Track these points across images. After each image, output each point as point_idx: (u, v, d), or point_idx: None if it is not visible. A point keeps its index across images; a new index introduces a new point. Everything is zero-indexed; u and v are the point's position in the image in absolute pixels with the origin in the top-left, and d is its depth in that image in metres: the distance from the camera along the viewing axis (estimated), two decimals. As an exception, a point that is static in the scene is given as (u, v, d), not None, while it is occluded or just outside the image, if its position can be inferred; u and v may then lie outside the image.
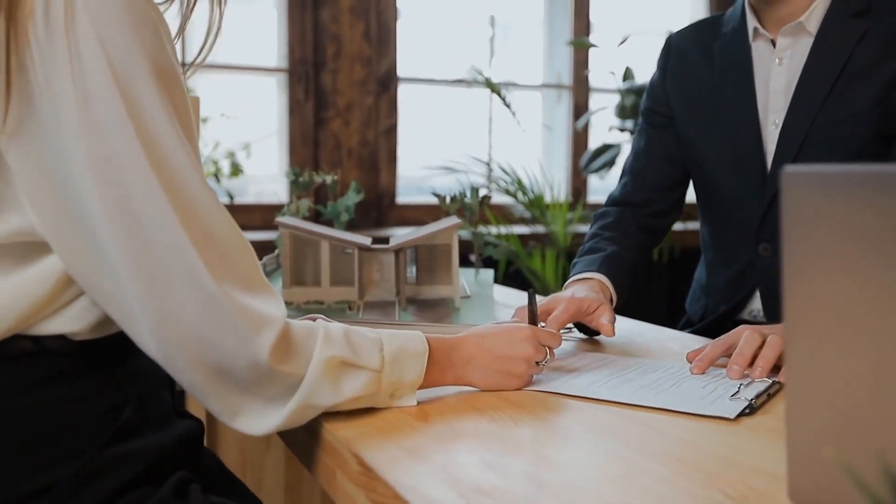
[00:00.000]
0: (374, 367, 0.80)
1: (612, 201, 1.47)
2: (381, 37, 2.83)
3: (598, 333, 1.18)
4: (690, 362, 1.03)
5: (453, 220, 1.36)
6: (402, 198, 2.95)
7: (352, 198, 1.57)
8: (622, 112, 2.98)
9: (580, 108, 3.19)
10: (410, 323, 1.19)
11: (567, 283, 1.27)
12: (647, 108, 1.50)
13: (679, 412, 0.84)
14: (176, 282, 0.71)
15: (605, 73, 3.16)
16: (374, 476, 0.69)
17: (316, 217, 1.76)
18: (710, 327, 1.40)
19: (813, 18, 1.27)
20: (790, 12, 1.29)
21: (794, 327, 0.56)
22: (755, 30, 1.33)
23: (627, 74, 3.03)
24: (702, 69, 1.41)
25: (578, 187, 3.18)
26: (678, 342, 1.22)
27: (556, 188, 2.78)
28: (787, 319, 0.56)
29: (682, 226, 2.82)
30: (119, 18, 0.70)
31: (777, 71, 1.31)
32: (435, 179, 3.14)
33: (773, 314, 1.32)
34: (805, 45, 1.28)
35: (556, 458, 0.72)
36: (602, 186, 3.28)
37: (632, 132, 2.97)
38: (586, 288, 1.19)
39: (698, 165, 1.42)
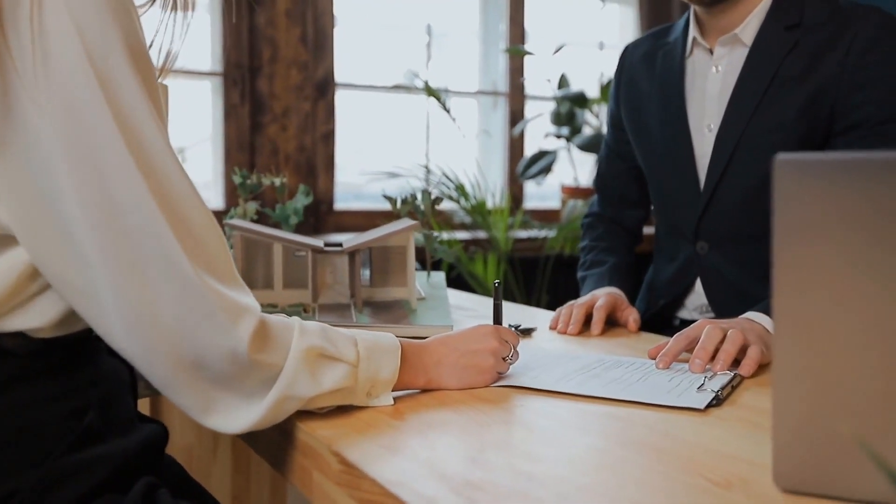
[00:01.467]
0: (350, 361, 0.79)
1: (592, 214, 1.64)
2: (318, 42, 2.80)
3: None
4: (652, 358, 1.04)
5: (407, 221, 1.36)
6: (340, 204, 2.93)
7: (300, 200, 1.54)
8: (558, 119, 3.02)
9: (516, 114, 3.22)
10: (379, 326, 1.18)
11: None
12: (608, 117, 1.61)
13: (649, 404, 0.85)
14: (154, 270, 0.68)
15: (539, 81, 3.20)
16: (359, 474, 0.67)
17: (262, 220, 1.73)
18: (651, 321, 1.44)
19: (748, 30, 1.32)
20: (730, 22, 1.34)
21: (782, 314, 0.57)
22: (694, 39, 1.38)
23: (563, 82, 3.07)
24: (643, 78, 1.47)
25: (515, 193, 3.20)
26: (634, 338, 1.24)
27: (498, 195, 2.81)
28: (777, 305, 0.57)
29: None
30: None
31: (713, 78, 1.36)
32: (372, 186, 3.12)
33: (719, 309, 1.36)
34: (740, 54, 1.33)
35: (537, 451, 0.72)
36: (538, 192, 3.32)
37: (568, 139, 3.02)
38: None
39: (646, 169, 1.48)
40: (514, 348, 0.96)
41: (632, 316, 1.30)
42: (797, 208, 0.54)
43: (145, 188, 0.68)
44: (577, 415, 0.83)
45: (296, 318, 0.78)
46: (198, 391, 0.72)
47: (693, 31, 1.38)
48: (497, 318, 1.02)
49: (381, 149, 3.11)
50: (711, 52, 1.37)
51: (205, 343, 0.70)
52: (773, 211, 0.55)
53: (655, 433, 0.77)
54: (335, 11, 2.83)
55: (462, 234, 2.75)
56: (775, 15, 1.30)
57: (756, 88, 1.29)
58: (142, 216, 0.68)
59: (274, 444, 0.84)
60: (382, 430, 0.77)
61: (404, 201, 1.51)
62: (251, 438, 0.90)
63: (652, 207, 1.55)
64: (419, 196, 1.51)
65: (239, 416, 0.73)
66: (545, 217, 3.14)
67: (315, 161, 2.82)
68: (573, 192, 3.07)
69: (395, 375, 0.83)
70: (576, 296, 1.42)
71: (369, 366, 0.80)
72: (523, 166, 2.99)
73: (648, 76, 1.46)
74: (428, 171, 2.75)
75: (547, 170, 2.96)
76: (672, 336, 1.11)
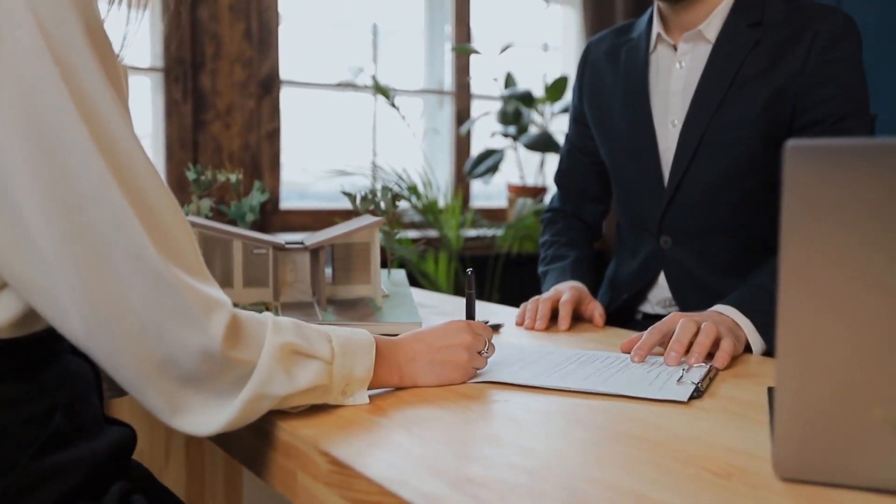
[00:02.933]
0: (325, 358, 0.76)
1: (553, 209, 1.64)
2: (263, 37, 2.75)
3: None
4: (626, 352, 1.04)
5: (370, 218, 1.33)
6: (285, 203, 2.88)
7: (256, 197, 1.50)
8: (504, 118, 3.03)
9: (462, 113, 3.21)
10: (349, 323, 1.15)
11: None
12: (570, 113, 1.61)
13: (632, 397, 0.85)
14: (120, 264, 0.64)
15: (484, 80, 3.21)
16: (352, 473, 0.65)
17: (216, 218, 1.68)
18: (614, 316, 1.45)
19: (712, 27, 1.33)
20: (693, 19, 1.35)
21: (788, 301, 0.57)
22: (658, 35, 1.39)
23: (509, 81, 3.08)
24: (608, 73, 1.47)
25: (462, 192, 3.20)
26: (601, 333, 1.24)
27: (447, 193, 2.80)
28: (782, 294, 0.57)
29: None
30: None
31: (677, 74, 1.37)
32: (318, 185, 3.08)
33: (683, 303, 1.37)
34: (704, 50, 1.34)
35: (530, 445, 0.70)
36: (484, 191, 3.32)
37: (514, 138, 3.03)
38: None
39: (610, 165, 1.49)
40: (489, 342, 0.94)
41: (597, 310, 1.30)
42: (805, 194, 0.54)
43: (109, 177, 0.64)
44: (562, 409, 0.82)
45: (268, 314, 0.76)
46: (167, 391, 0.68)
47: (657, 28, 1.39)
48: (470, 308, 1.00)
49: (326, 147, 3.07)
50: (675, 48, 1.38)
51: (176, 339, 0.66)
52: (782, 196, 0.55)
53: (645, 426, 0.76)
54: (280, 8, 2.78)
55: (412, 233, 2.74)
56: (738, 12, 1.32)
57: (720, 85, 1.30)
58: (106, 207, 0.64)
59: (250, 446, 0.81)
60: (368, 428, 0.75)
61: (364, 198, 1.48)
62: (224, 442, 0.87)
63: (614, 202, 1.56)
64: (379, 193, 1.48)
65: (210, 416, 0.70)
66: (492, 216, 3.14)
67: (260, 159, 2.76)
68: (520, 191, 3.08)
69: (370, 373, 0.81)
70: (526, 294, 1.42)
71: (344, 363, 0.78)
72: (471, 165, 2.98)
73: (612, 72, 1.46)
74: (376, 168, 2.72)
75: (494, 168, 2.96)
76: (636, 330, 1.12)
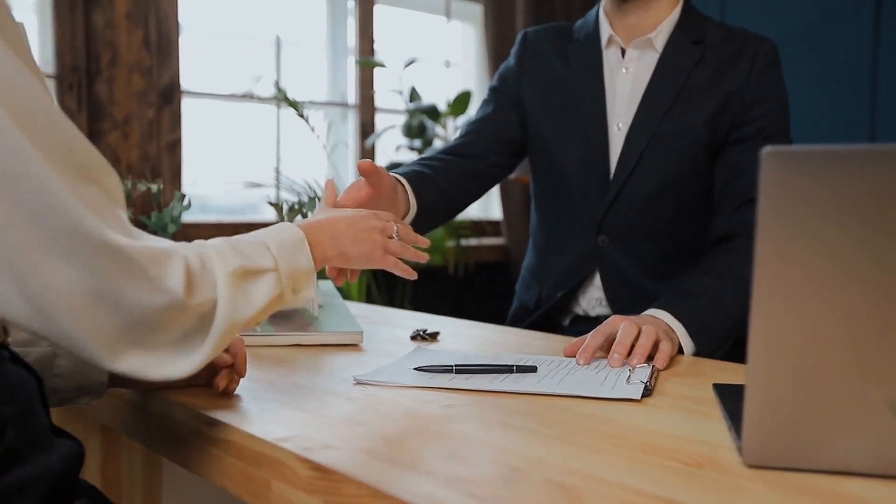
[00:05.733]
0: (271, 267, 0.79)
1: (444, 150, 1.49)
2: (162, 46, 2.67)
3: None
4: (569, 356, 1.07)
5: (302, 227, 1.32)
6: (185, 216, 2.79)
7: (177, 207, 1.47)
8: (409, 131, 3.05)
9: (366, 126, 3.22)
10: (287, 334, 1.13)
11: None
12: (496, 87, 1.55)
13: (588, 397, 0.88)
14: (58, 239, 0.63)
15: (386, 94, 3.22)
16: (339, 478, 0.64)
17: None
18: (548, 314, 1.47)
19: (660, 37, 1.41)
20: (638, 24, 1.41)
21: (761, 298, 0.61)
22: (609, 37, 1.44)
23: (414, 95, 3.10)
24: (557, 66, 1.49)
25: (367, 205, 3.19)
26: (530, 336, 1.27)
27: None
28: (756, 290, 0.61)
29: (476, 241, 2.96)
30: None
31: (623, 78, 1.43)
32: (219, 199, 3.01)
33: (614, 303, 1.42)
34: (650, 59, 1.41)
35: (506, 445, 0.72)
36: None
37: (419, 151, 3.05)
38: None
39: (547, 156, 1.49)
40: (397, 227, 1.00)
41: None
42: (780, 196, 0.58)
43: (31, 149, 0.62)
44: (524, 409, 0.84)
45: (201, 243, 0.76)
46: (138, 351, 0.68)
47: (609, 30, 1.44)
48: (493, 364, 1.01)
49: (226, 159, 3.01)
50: (623, 52, 1.44)
51: (135, 303, 0.66)
52: (758, 200, 0.58)
53: (607, 422, 0.79)
54: (180, 18, 2.71)
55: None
56: (682, 28, 1.41)
57: (667, 94, 1.37)
58: (32, 182, 0.62)
59: (212, 458, 0.79)
60: (344, 438, 0.74)
61: (291, 208, 1.47)
62: (181, 456, 0.84)
63: (541, 196, 1.54)
64: (307, 203, 1.47)
65: (187, 359, 0.72)
66: (397, 229, 3.14)
67: (160, 171, 2.68)
68: (425, 204, 3.10)
69: (312, 264, 0.84)
70: (437, 305, 1.42)
71: (288, 265, 0.81)
72: (376, 178, 2.98)
73: (562, 65, 1.48)
74: (288, 180, 2.69)
75: (400, 181, 2.97)
76: (567, 336, 1.16)
